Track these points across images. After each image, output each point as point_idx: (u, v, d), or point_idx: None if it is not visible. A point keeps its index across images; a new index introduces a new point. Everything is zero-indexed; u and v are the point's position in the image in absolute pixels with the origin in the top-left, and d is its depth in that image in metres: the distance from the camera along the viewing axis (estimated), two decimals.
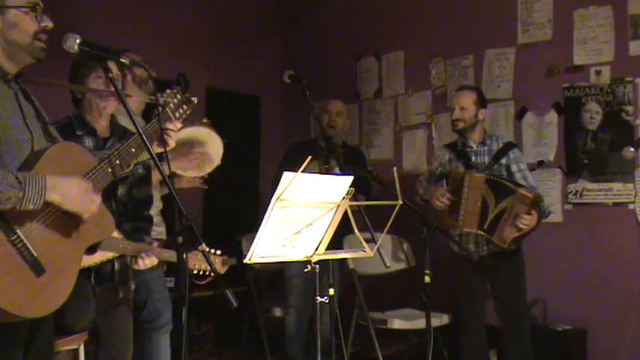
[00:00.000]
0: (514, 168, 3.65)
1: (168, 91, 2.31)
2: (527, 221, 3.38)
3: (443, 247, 3.61)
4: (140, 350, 3.14)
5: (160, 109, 2.23)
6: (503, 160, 3.67)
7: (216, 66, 5.34)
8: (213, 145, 3.20)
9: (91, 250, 2.12)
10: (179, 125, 2.31)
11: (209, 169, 3.26)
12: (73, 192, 1.88)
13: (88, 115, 2.69)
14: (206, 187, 3.52)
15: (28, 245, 1.84)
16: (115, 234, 2.29)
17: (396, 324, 4.08)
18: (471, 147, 3.73)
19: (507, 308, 3.63)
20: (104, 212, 2.09)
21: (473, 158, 3.70)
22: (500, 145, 3.70)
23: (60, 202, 1.86)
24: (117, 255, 2.45)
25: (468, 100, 3.70)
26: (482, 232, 3.50)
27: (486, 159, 3.68)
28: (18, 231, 1.83)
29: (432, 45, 4.87)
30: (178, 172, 3.19)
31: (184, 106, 2.35)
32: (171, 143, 2.23)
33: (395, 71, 5.13)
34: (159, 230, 3.31)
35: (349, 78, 5.39)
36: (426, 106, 4.94)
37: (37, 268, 1.85)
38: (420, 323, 3.88)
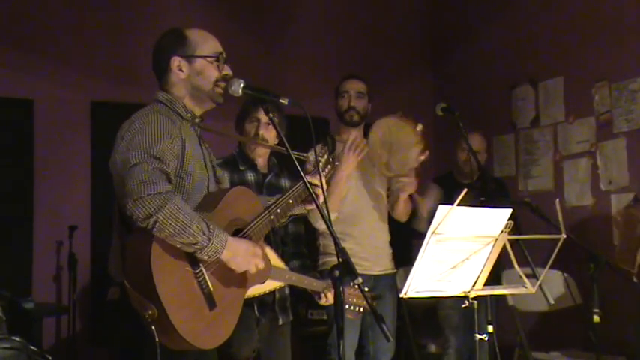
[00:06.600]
0: None
1: (318, 147, 2.43)
2: None
3: (615, 284, 3.33)
4: None
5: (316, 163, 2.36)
6: None
7: None
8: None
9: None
10: (324, 182, 2.36)
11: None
12: (241, 255, 2.01)
13: (250, 152, 2.90)
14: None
15: (207, 279, 1.97)
16: (281, 265, 2.40)
17: None
18: None
19: None
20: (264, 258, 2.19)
21: None
22: None
23: (227, 259, 1.98)
24: (282, 285, 2.56)
25: None
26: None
27: None
28: (200, 265, 1.97)
29: (594, 68, 4.60)
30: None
31: (329, 167, 2.49)
32: (321, 199, 2.25)
33: (553, 98, 4.90)
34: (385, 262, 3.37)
35: (503, 108, 5.24)
36: (589, 133, 4.65)
37: (211, 302, 1.97)
38: None
